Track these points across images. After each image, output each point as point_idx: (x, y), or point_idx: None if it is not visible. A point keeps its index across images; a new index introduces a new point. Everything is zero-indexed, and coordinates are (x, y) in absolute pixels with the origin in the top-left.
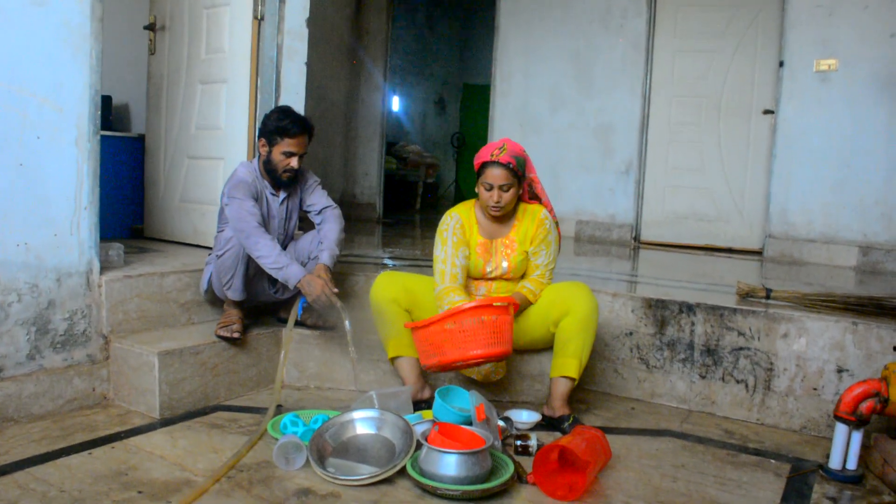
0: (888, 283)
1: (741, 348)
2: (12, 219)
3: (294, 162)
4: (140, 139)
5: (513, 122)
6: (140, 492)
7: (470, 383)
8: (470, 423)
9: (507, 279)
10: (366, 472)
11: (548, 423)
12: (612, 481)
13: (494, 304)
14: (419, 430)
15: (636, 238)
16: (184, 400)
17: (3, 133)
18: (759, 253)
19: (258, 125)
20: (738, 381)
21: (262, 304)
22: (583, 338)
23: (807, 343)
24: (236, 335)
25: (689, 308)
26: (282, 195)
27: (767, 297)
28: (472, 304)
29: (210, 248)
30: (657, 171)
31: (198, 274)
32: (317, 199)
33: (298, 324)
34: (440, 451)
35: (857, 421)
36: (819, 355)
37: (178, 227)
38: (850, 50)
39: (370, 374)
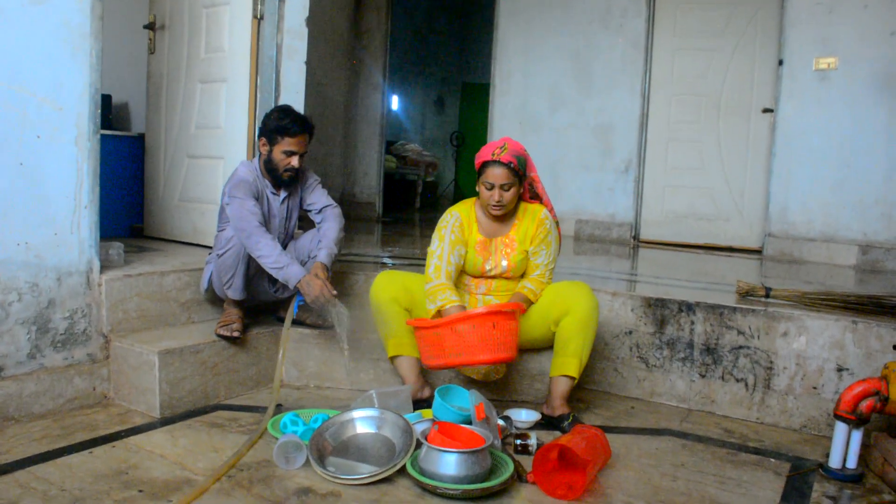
0: (888, 282)
1: (741, 347)
2: (12, 218)
3: (295, 161)
4: (140, 138)
5: (512, 121)
6: (141, 491)
7: (469, 382)
8: (470, 423)
9: (506, 278)
10: (366, 471)
11: (547, 423)
12: (611, 480)
13: (504, 310)
14: (419, 429)
15: (636, 237)
16: (184, 399)
17: (3, 132)
18: (758, 252)
19: (258, 124)
20: (737, 380)
21: (262, 304)
22: (583, 337)
23: (806, 342)
24: (236, 334)
25: (688, 307)
26: (282, 194)
27: (767, 296)
28: (484, 310)
29: (210, 248)
30: (657, 170)
31: (198, 273)
32: (317, 197)
33: (298, 323)
34: (440, 450)
35: (857, 420)
36: (819, 354)
37: (178, 226)
38: (850, 48)
39: (369, 372)
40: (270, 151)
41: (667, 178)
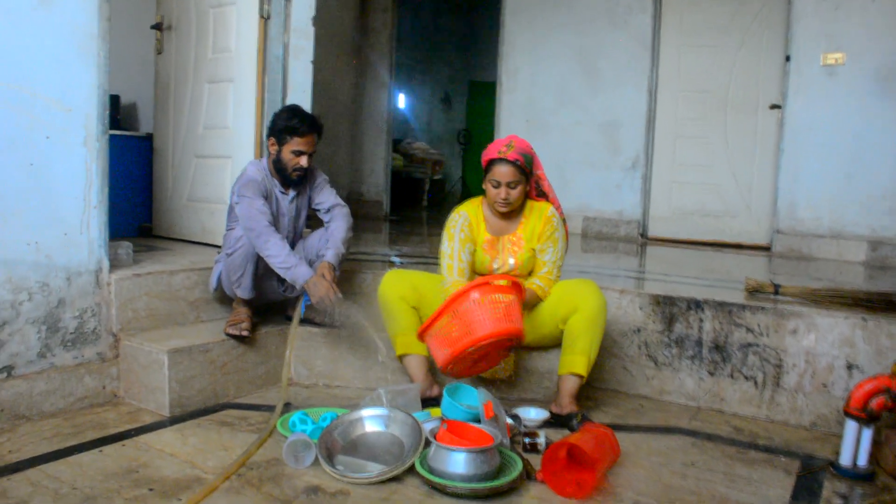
0: None
1: (750, 345)
2: (22, 218)
3: (304, 161)
4: (148, 138)
5: (519, 118)
6: (151, 489)
7: (478, 381)
8: (478, 421)
9: (514, 276)
10: (375, 469)
11: (556, 421)
12: (621, 479)
13: (495, 282)
14: (428, 427)
15: (643, 234)
16: (193, 398)
17: (12, 133)
18: (766, 248)
19: (265, 124)
20: (746, 378)
21: (271, 302)
22: (591, 335)
23: (816, 339)
24: (245, 333)
25: (696, 304)
26: (291, 194)
27: (776, 293)
28: (474, 282)
29: (218, 247)
30: (664, 167)
31: (206, 272)
32: (325, 197)
33: (307, 321)
34: (449, 448)
35: (867, 417)
36: (828, 351)
37: (187, 226)
38: (858, 43)
39: (377, 371)
40: (279, 151)
41: (674, 175)
